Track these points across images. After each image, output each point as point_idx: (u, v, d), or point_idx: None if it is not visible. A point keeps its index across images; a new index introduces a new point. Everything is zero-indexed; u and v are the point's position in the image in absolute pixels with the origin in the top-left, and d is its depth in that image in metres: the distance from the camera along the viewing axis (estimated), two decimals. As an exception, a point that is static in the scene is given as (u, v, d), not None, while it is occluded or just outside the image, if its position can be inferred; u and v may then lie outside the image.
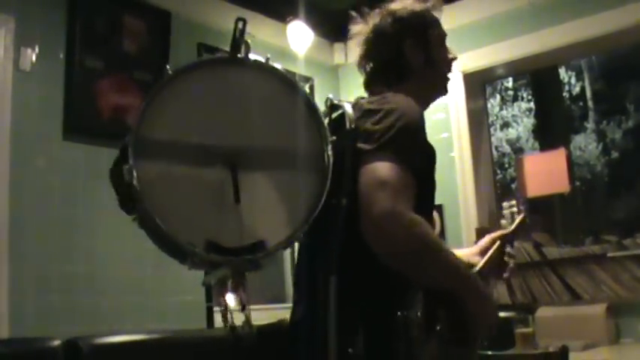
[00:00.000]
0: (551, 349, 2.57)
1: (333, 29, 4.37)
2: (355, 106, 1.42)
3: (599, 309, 3.18)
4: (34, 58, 2.99)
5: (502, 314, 3.35)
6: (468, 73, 4.02)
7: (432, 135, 1.44)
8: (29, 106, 2.96)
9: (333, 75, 4.58)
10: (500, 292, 3.65)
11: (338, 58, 4.58)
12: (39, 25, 3.05)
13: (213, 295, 3.40)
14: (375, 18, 1.61)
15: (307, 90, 1.33)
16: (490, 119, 6.34)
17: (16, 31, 2.94)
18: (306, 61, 4.02)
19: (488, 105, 4.88)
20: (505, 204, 1.88)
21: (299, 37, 3.92)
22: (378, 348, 1.29)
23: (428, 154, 1.44)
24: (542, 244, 3.58)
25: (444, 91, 1.66)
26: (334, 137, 1.30)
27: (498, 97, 8.70)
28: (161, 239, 1.23)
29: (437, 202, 1.57)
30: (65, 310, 2.88)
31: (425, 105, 1.57)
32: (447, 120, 3.97)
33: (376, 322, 1.30)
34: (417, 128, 1.38)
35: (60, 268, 2.91)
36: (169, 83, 1.23)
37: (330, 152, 1.27)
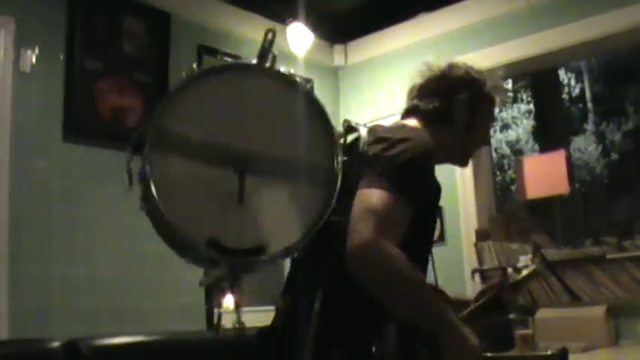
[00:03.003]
0: (550, 351, 2.57)
1: (332, 31, 4.37)
2: (371, 131, 1.44)
3: (599, 311, 3.17)
4: (34, 59, 2.99)
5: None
6: (468, 75, 4.01)
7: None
8: (29, 108, 2.97)
9: (333, 77, 4.58)
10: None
11: (338, 59, 4.59)
12: (39, 27, 3.05)
13: (213, 296, 3.40)
14: (447, 64, 1.66)
15: (325, 107, 1.36)
16: (490, 121, 6.31)
17: (16, 32, 2.94)
18: (305, 62, 4.02)
19: (488, 106, 4.88)
20: (522, 258, 1.88)
21: (299, 38, 3.92)
22: None
23: (431, 192, 1.44)
24: (542, 246, 3.57)
25: (464, 161, 1.71)
26: (345, 158, 1.33)
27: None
28: (165, 230, 1.25)
29: (433, 237, 1.55)
30: (65, 311, 2.88)
31: (441, 158, 1.58)
32: (446, 121, 3.96)
33: (351, 347, 1.31)
34: (422, 162, 1.39)
35: (60, 269, 2.91)
36: (194, 81, 1.27)
37: (339, 171, 1.30)
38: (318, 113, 1.34)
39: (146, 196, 1.24)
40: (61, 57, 3.11)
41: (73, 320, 2.88)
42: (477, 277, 3.69)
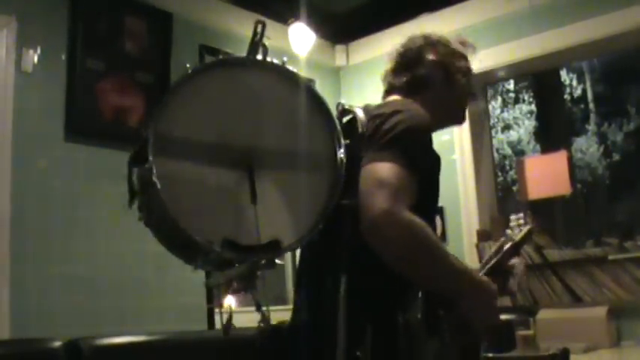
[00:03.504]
0: (552, 352, 2.57)
1: (334, 31, 4.38)
2: (365, 110, 1.45)
3: (600, 311, 3.17)
4: (35, 59, 2.99)
5: (503, 316, 3.35)
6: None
7: (434, 137, 1.45)
8: (31, 107, 2.97)
9: (335, 77, 4.58)
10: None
11: (339, 60, 4.59)
12: (41, 27, 3.05)
13: (214, 296, 3.40)
14: (407, 38, 1.70)
15: (322, 93, 1.35)
16: (491, 121, 6.34)
17: (18, 32, 2.94)
18: (307, 63, 4.02)
19: (490, 107, 4.88)
20: (513, 217, 1.89)
21: (301, 38, 3.92)
22: (383, 350, 1.30)
23: (431, 160, 1.45)
24: (544, 247, 3.57)
25: (458, 117, 1.75)
26: (347, 141, 1.32)
27: (500, 99, 8.70)
28: (172, 237, 1.23)
29: (438, 204, 1.58)
30: (66, 311, 2.88)
31: (436, 124, 1.59)
32: (448, 122, 3.96)
33: (380, 324, 1.31)
34: (421, 131, 1.40)
35: (61, 269, 2.91)
36: (188, 81, 1.25)
37: (342, 155, 1.30)
38: (314, 101, 1.34)
39: (150, 204, 1.22)
40: (63, 57, 3.11)
41: (74, 320, 2.88)
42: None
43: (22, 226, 2.83)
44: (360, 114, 1.41)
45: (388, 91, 1.68)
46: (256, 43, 1.30)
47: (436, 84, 1.63)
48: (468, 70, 1.72)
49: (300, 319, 1.48)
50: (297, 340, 1.43)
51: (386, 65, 1.70)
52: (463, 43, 1.72)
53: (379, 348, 1.29)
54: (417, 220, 1.26)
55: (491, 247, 1.81)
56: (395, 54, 1.68)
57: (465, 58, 1.71)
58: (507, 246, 1.75)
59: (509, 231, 1.82)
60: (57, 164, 3.01)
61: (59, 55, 3.10)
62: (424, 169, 1.36)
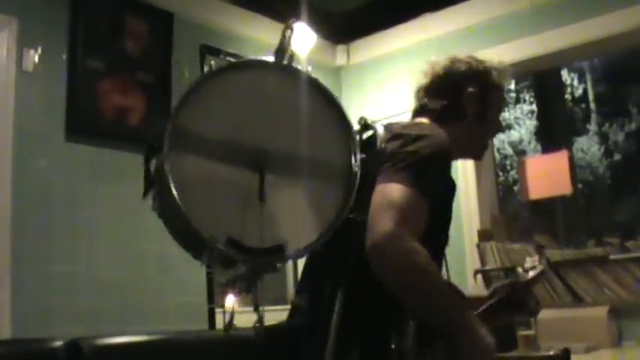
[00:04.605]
0: (553, 352, 2.57)
1: (335, 31, 4.37)
2: (387, 128, 1.44)
3: (601, 311, 3.17)
4: (36, 59, 2.99)
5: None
6: (471, 75, 4.01)
7: (435, 137, 1.45)
8: (32, 107, 2.97)
9: (335, 77, 4.58)
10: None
11: (340, 59, 4.59)
12: (42, 26, 3.05)
13: (215, 295, 3.41)
14: (450, 61, 1.67)
15: (343, 106, 1.35)
16: (492, 121, 6.31)
17: (19, 32, 2.94)
18: (307, 62, 4.01)
19: (491, 107, 4.88)
20: (528, 259, 1.89)
21: (301, 38, 3.91)
22: None
23: (448, 188, 1.45)
24: (545, 247, 3.57)
25: (479, 153, 1.71)
26: (363, 155, 1.32)
27: (501, 99, 8.68)
28: (181, 230, 1.25)
29: (448, 232, 1.55)
30: (67, 310, 2.88)
31: (456, 153, 1.57)
32: (449, 122, 3.96)
33: (371, 343, 1.31)
34: (441, 158, 1.39)
35: (62, 268, 2.91)
36: (212, 78, 1.26)
37: (357, 169, 1.30)
38: (335, 111, 1.34)
39: (162, 195, 1.23)
40: (64, 56, 3.11)
41: (75, 320, 2.88)
42: (480, 277, 3.69)
43: (22, 225, 2.83)
44: (381, 130, 1.40)
45: (419, 112, 1.65)
46: (284, 48, 1.30)
47: (470, 118, 1.62)
48: (503, 103, 1.71)
49: (297, 320, 1.49)
50: (294, 341, 1.43)
51: (421, 80, 1.67)
52: (503, 73, 1.69)
53: None
54: (420, 248, 1.24)
55: (498, 281, 1.79)
56: (434, 73, 1.66)
57: (501, 89, 1.69)
58: (517, 284, 1.74)
59: (519, 269, 1.82)
60: (58, 164, 3.01)
61: (60, 54, 3.10)
62: (438, 195, 1.34)
